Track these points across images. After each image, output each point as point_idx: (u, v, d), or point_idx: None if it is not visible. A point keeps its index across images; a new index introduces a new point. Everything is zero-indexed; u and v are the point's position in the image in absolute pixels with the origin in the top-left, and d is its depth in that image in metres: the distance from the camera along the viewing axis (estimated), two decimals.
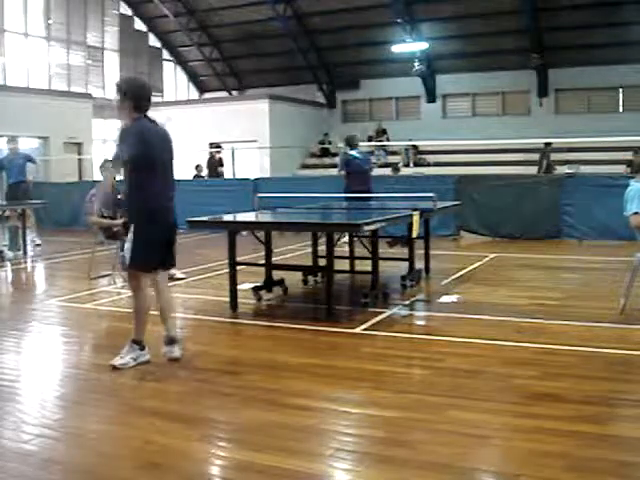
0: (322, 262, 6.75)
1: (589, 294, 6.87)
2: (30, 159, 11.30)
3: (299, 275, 7.62)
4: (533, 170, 17.04)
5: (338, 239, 8.29)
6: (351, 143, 10.59)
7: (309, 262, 7.82)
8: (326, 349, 5.13)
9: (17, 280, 9.09)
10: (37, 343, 5.57)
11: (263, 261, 7.02)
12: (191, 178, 16.53)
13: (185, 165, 18.45)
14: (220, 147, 17.86)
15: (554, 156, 19.93)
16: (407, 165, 21.87)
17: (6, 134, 19.60)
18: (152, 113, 4.77)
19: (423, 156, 22.74)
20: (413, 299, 6.81)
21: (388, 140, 23.77)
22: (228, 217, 6.91)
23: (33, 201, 11.95)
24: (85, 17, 24.57)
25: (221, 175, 16.97)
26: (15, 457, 3.23)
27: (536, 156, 20.41)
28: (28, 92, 20.62)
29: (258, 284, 6.86)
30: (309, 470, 3.08)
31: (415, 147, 22.54)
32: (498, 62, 22.50)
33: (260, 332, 5.77)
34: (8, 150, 11.38)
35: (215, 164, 17.20)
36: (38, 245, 11.12)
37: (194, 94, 29.04)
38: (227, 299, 6.38)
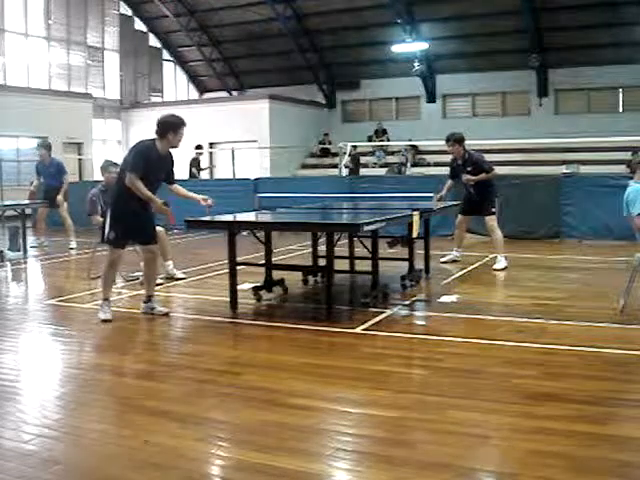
0: (322, 262, 6.75)
1: (589, 294, 6.87)
2: (61, 171, 11.48)
3: (299, 275, 7.62)
4: (533, 170, 17.03)
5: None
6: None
7: (309, 262, 7.82)
8: (326, 349, 5.13)
9: (17, 280, 9.09)
10: (37, 343, 5.57)
11: (263, 261, 7.02)
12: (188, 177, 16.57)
13: (182, 166, 18.56)
14: (201, 146, 17.90)
15: (553, 156, 19.97)
16: (404, 165, 21.88)
17: (6, 134, 19.77)
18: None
19: (423, 156, 22.75)
20: (413, 299, 6.81)
21: (388, 140, 23.77)
22: (228, 217, 6.91)
23: (34, 201, 11.96)
24: (85, 17, 24.58)
25: (197, 176, 16.94)
26: (15, 457, 3.23)
27: (536, 156, 20.47)
28: (28, 92, 20.63)
29: (258, 284, 6.86)
30: (309, 470, 3.08)
31: (415, 147, 22.54)
32: (498, 62, 22.51)
33: (260, 332, 5.76)
34: (39, 157, 11.56)
35: (191, 165, 17.19)
36: (72, 249, 11.14)
37: (194, 94, 29.05)
38: (227, 299, 6.38)
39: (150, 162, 5.86)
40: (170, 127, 5.89)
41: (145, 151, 5.92)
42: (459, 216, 8.93)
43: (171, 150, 6.06)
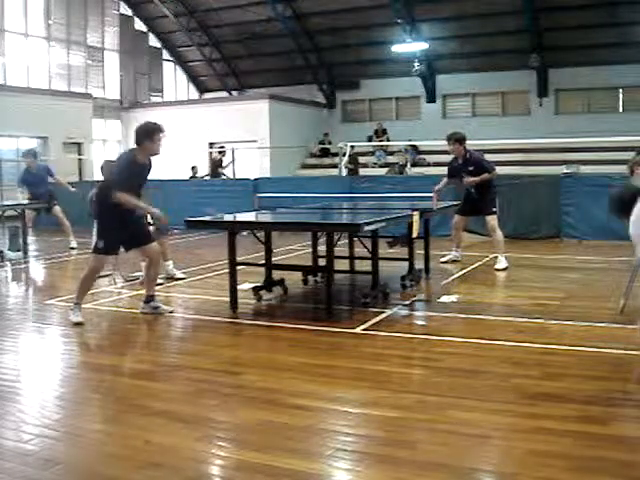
0: (322, 262, 6.75)
1: (589, 294, 6.87)
2: (50, 173, 11.60)
3: (299, 275, 7.62)
4: (533, 170, 17.02)
5: None
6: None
7: (309, 262, 7.82)
8: (326, 349, 5.13)
9: (17, 280, 9.09)
10: (37, 343, 5.57)
11: (263, 261, 7.02)
12: (187, 179, 16.74)
13: (182, 166, 18.60)
14: (223, 147, 18.05)
15: (553, 156, 19.96)
16: (404, 166, 21.88)
17: (6, 134, 19.76)
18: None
19: (423, 156, 22.73)
20: (413, 299, 6.81)
21: (388, 140, 23.76)
22: (228, 217, 6.92)
23: (33, 201, 11.96)
24: (85, 17, 24.56)
25: (221, 176, 17.09)
26: (15, 457, 3.23)
27: (536, 156, 20.46)
28: (28, 92, 20.62)
29: (258, 284, 6.87)
30: (309, 470, 3.08)
31: (415, 147, 22.53)
32: (498, 62, 22.50)
33: (260, 332, 5.77)
34: (26, 166, 11.49)
35: (215, 165, 17.35)
36: (73, 248, 11.17)
37: (194, 94, 29.03)
38: (227, 299, 6.38)
39: (133, 172, 5.93)
40: (145, 135, 5.91)
41: (127, 164, 5.98)
42: (456, 216, 8.92)
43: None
